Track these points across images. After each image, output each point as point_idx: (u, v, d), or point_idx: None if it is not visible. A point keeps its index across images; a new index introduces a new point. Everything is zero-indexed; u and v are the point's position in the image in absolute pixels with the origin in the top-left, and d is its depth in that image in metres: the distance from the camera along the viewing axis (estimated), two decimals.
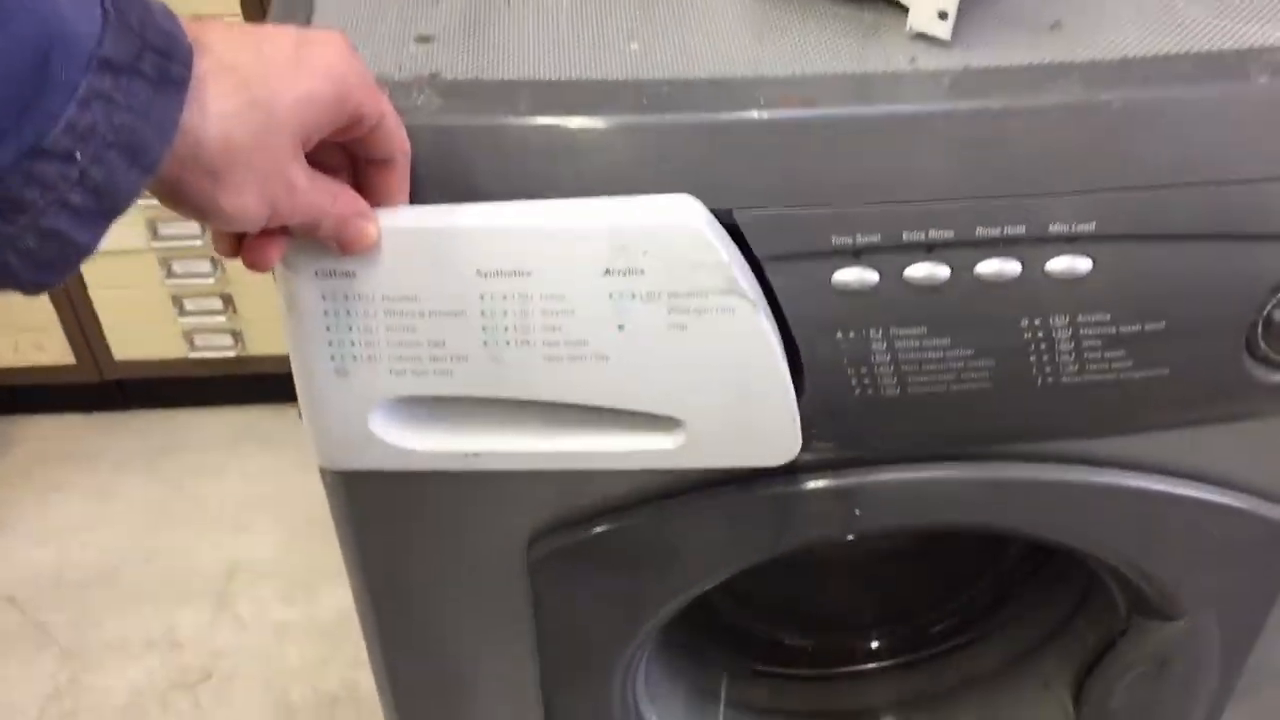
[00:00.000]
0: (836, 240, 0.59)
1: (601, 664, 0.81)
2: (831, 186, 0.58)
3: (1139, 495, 0.70)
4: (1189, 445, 0.69)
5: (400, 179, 0.55)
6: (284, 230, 0.54)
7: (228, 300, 1.68)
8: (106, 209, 0.42)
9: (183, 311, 1.69)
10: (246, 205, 0.47)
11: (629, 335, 0.57)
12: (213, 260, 1.63)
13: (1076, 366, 0.63)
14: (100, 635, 1.56)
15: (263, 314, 1.70)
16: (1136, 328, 0.61)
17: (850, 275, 0.59)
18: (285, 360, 0.63)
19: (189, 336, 1.72)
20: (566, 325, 0.57)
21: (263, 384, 1.79)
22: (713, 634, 1.03)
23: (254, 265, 0.54)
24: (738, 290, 0.56)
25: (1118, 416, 0.66)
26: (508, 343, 0.58)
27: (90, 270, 1.64)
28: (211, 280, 1.65)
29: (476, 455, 0.63)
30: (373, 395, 0.61)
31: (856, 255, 0.59)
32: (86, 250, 0.42)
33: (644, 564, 0.73)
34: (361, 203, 0.54)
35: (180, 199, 0.46)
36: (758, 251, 0.58)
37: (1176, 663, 0.81)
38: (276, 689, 1.47)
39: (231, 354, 1.74)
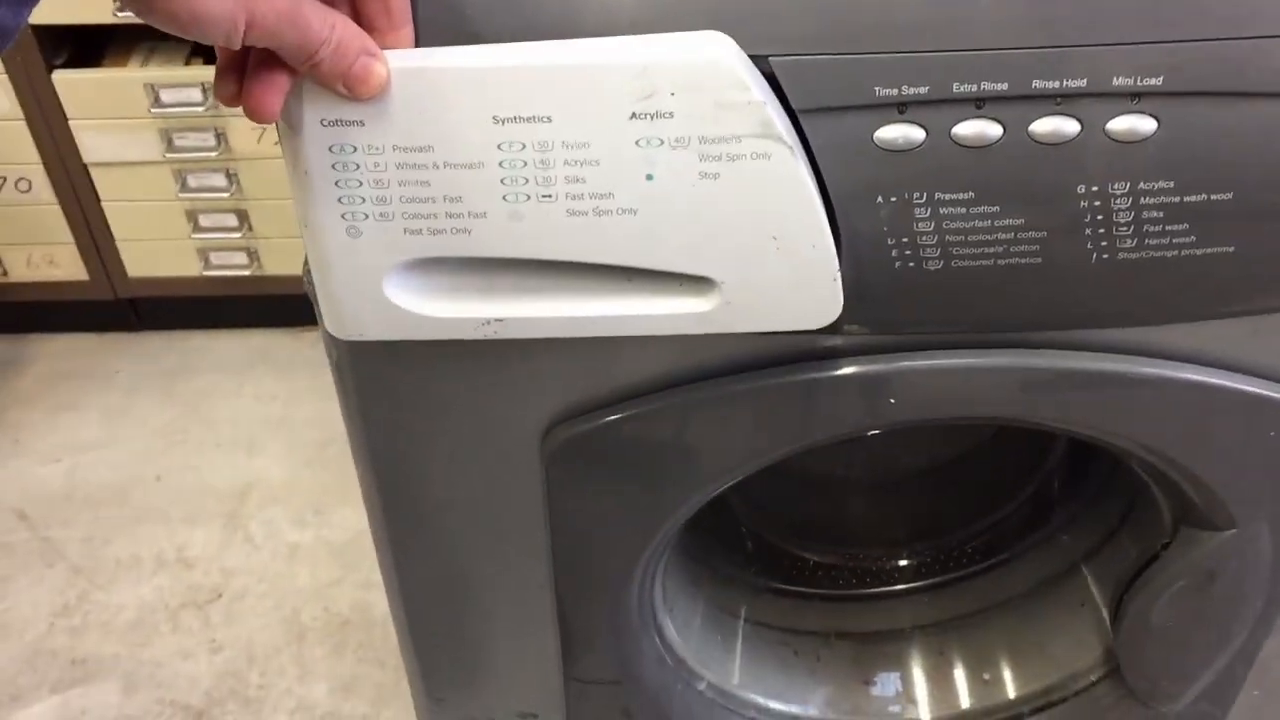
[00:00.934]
0: (881, 92, 0.54)
1: (618, 568, 0.77)
2: (877, 32, 0.54)
3: (1193, 389, 0.66)
4: (1250, 336, 0.65)
5: (402, 6, 0.51)
6: (284, 71, 0.50)
7: (243, 217, 1.65)
8: None
9: (197, 227, 1.66)
10: (218, 1, 0.43)
11: (658, 186, 0.54)
12: (227, 174, 1.60)
13: (1135, 241, 0.58)
14: (111, 553, 1.54)
15: (278, 231, 1.67)
16: (1202, 198, 0.57)
17: (894, 132, 0.55)
18: (300, 281, 0.59)
19: (204, 254, 1.69)
20: (591, 176, 0.53)
21: (277, 306, 1.76)
22: (735, 550, 0.99)
23: (254, 110, 0.50)
24: (773, 133, 0.52)
25: (1176, 300, 0.62)
26: (528, 197, 0.54)
27: (103, 181, 1.61)
28: (226, 195, 1.62)
29: (499, 322, 0.60)
30: (387, 258, 0.57)
31: (901, 110, 0.55)
32: (6, 35, 0.40)
33: (664, 455, 0.69)
34: (366, 38, 0.51)
35: None
36: (795, 103, 0.54)
37: (1223, 576, 0.77)
38: (287, 609, 1.45)
39: (246, 273, 1.71)
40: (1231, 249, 0.59)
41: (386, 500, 0.75)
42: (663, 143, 0.52)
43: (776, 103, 0.53)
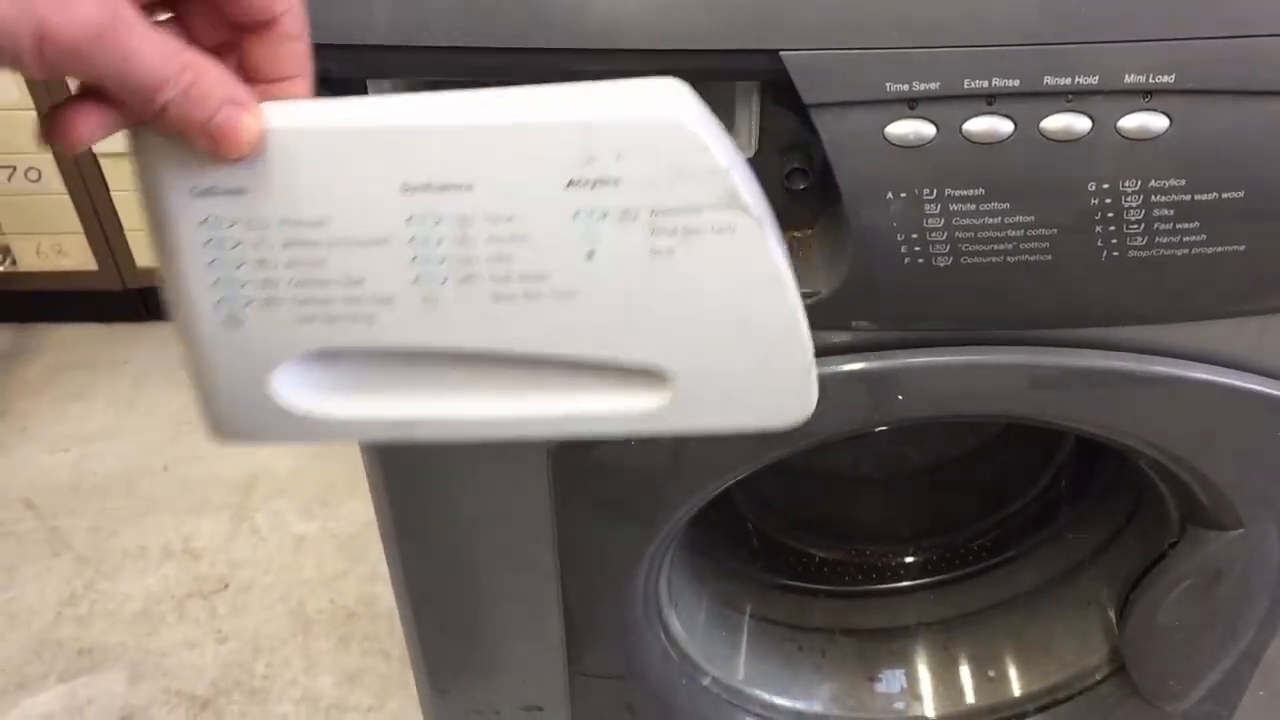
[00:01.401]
0: (891, 88, 0.54)
1: (624, 563, 0.77)
2: (888, 27, 0.53)
3: (1202, 389, 0.65)
4: (1260, 336, 0.65)
5: (294, 51, 0.44)
6: (102, 101, 0.41)
7: None
8: None
9: None
10: None
11: (600, 265, 0.45)
12: None
13: (1145, 239, 0.58)
14: (117, 543, 1.54)
15: None
16: (1213, 196, 0.57)
17: (905, 128, 0.55)
18: None
19: None
20: (520, 254, 0.45)
21: None
22: (741, 546, 0.99)
23: (53, 131, 0.41)
24: (738, 204, 0.44)
25: (1185, 299, 0.61)
26: (445, 279, 0.46)
27: (112, 171, 1.61)
28: None
29: (409, 424, 0.50)
30: (274, 351, 0.48)
31: (912, 105, 0.55)
32: None
33: (670, 452, 0.69)
34: (234, 85, 0.41)
35: None
36: (806, 98, 0.54)
37: (1230, 576, 0.76)
38: (293, 600, 1.45)
39: None
40: (1242, 248, 0.58)
41: (393, 494, 0.75)
42: (606, 215, 0.45)
43: (743, 167, 0.45)
